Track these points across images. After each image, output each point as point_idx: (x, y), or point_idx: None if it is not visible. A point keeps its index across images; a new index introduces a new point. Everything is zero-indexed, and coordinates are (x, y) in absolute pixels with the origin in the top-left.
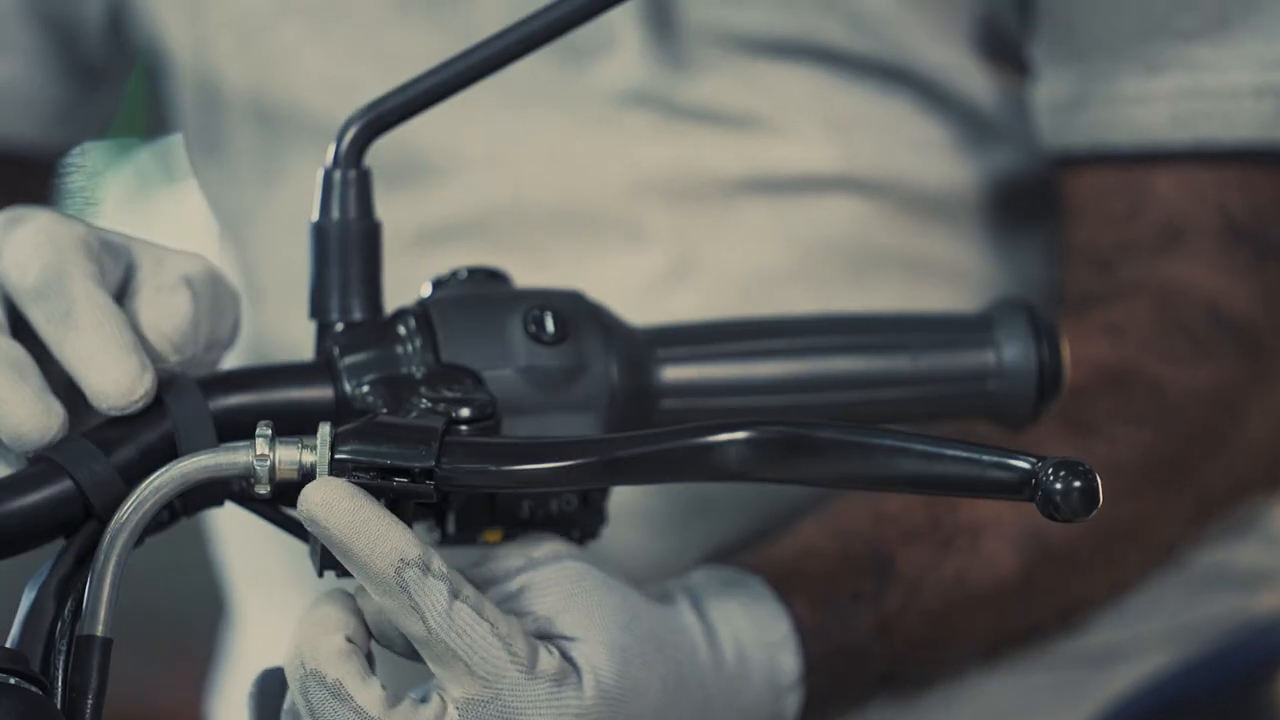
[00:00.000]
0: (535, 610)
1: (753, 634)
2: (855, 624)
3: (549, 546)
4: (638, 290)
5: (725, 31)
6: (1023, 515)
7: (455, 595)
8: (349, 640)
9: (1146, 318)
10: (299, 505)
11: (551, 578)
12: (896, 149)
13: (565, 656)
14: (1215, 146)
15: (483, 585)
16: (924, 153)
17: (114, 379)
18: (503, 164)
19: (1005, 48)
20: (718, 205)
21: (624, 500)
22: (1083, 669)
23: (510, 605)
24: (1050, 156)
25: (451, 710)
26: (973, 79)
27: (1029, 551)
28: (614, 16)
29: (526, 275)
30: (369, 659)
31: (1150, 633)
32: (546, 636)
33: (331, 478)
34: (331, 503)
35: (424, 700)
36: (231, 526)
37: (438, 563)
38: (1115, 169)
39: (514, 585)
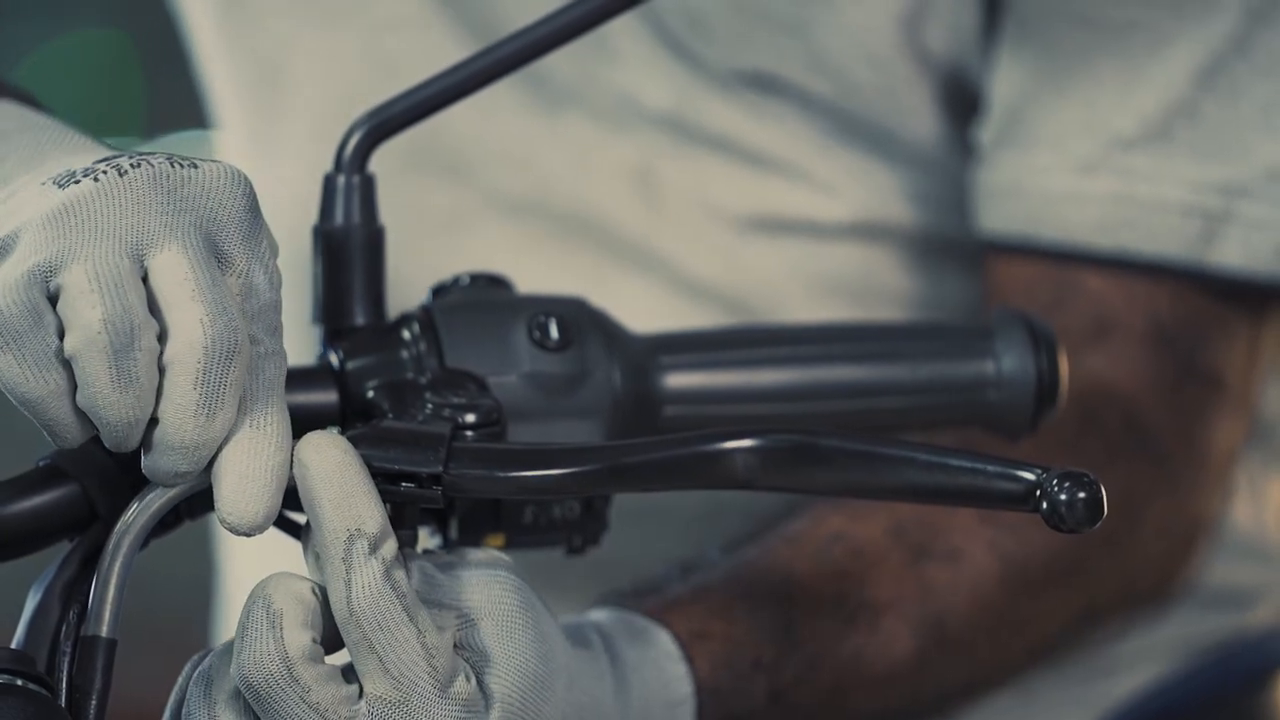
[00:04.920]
0: (458, 606)
1: (658, 690)
2: (752, 692)
3: (488, 554)
4: (648, 313)
5: (734, 66)
6: (927, 600)
7: (393, 587)
8: (314, 593)
9: (1068, 416)
10: (296, 448)
11: (483, 579)
12: (901, 200)
13: (480, 682)
14: (1136, 257)
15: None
16: (923, 207)
17: (255, 513)
18: (529, 161)
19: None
20: (728, 238)
21: (638, 501)
22: (1081, 678)
23: (436, 596)
24: (980, 238)
25: (362, 704)
26: (952, 149)
27: (925, 636)
28: (631, 32)
29: (548, 278)
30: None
31: (1149, 646)
32: (464, 646)
33: (335, 433)
34: (323, 448)
35: (349, 682)
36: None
37: (389, 550)
38: (1041, 263)
39: (443, 577)
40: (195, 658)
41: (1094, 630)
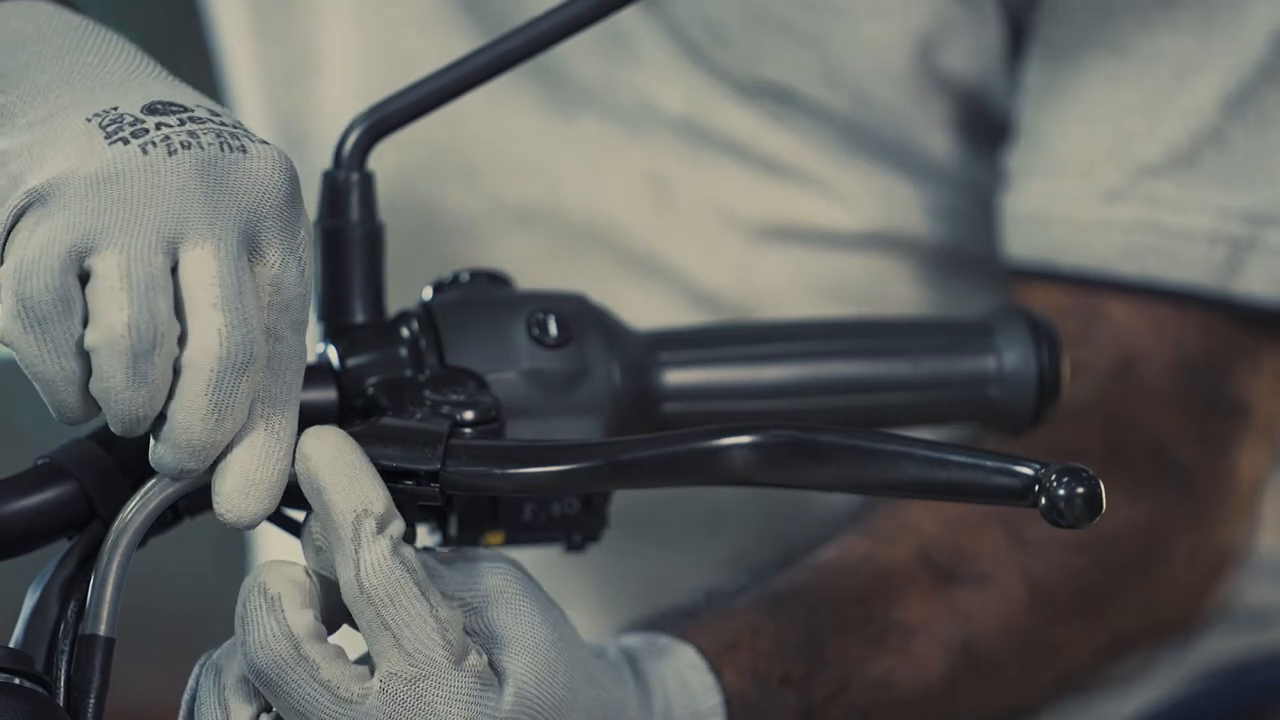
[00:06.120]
0: (463, 596)
1: (683, 701)
2: (782, 707)
3: (490, 551)
4: (656, 321)
5: (750, 75)
6: (957, 624)
7: (402, 562)
8: (308, 575)
9: (1093, 447)
10: (298, 446)
11: (485, 569)
12: (918, 213)
13: (491, 663)
14: (1161, 284)
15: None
16: (937, 220)
17: (254, 513)
18: (542, 166)
19: (995, 141)
20: (738, 246)
21: (635, 512)
22: (1094, 697)
23: (440, 588)
24: (1007, 266)
25: (375, 681)
26: (971, 168)
27: (957, 658)
28: (650, 38)
29: (558, 278)
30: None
31: (1166, 664)
32: (473, 632)
33: (334, 427)
34: (325, 439)
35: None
36: None
37: (397, 529)
38: (1067, 289)
39: (446, 570)
40: (204, 656)
41: (1120, 661)
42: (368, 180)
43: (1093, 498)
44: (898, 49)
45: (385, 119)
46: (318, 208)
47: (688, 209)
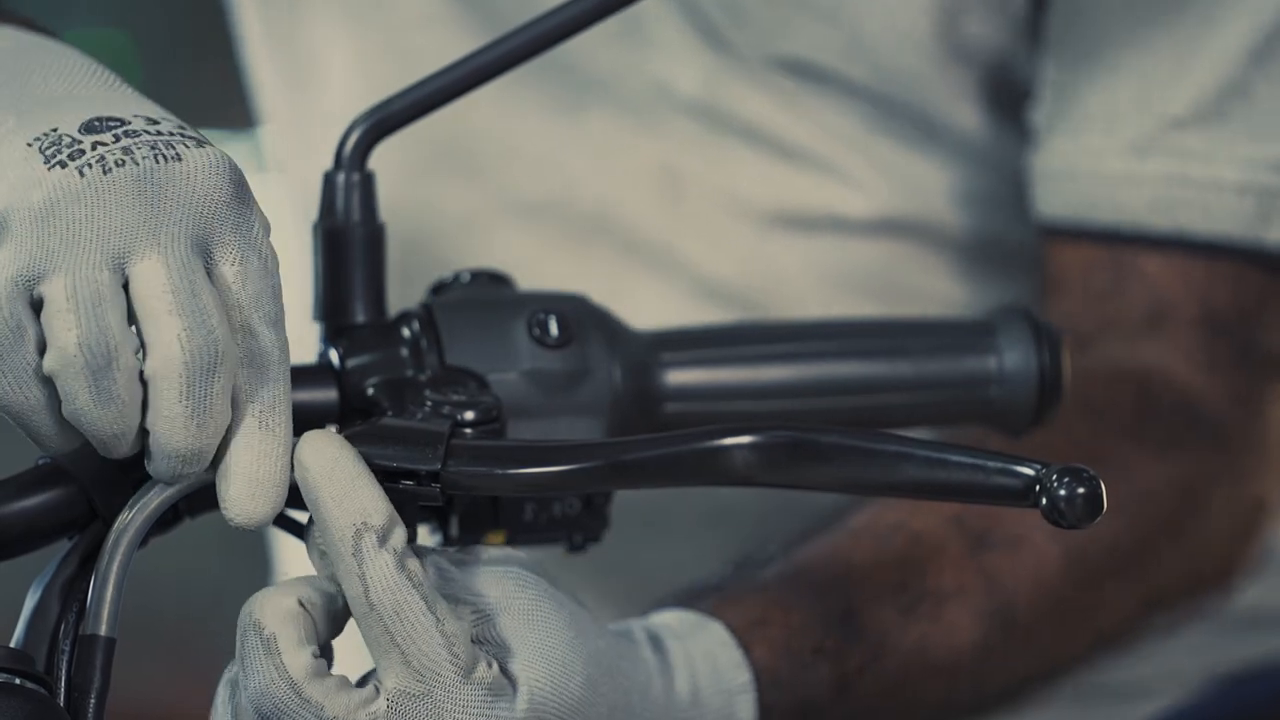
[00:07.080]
0: (475, 602)
1: (711, 679)
2: (815, 680)
3: (502, 551)
4: (667, 314)
5: (769, 52)
6: (990, 589)
7: (408, 576)
8: (301, 605)
9: (1125, 403)
10: (295, 448)
11: (497, 574)
12: (934, 196)
13: (503, 670)
14: (1192, 236)
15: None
16: (959, 202)
17: (262, 513)
18: (550, 161)
19: (1020, 113)
20: (750, 237)
21: (640, 508)
22: (1110, 702)
23: (451, 591)
24: (1037, 224)
25: (381, 700)
26: (996, 141)
27: (990, 624)
28: (665, 19)
29: (568, 274)
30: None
31: (1181, 669)
32: (484, 641)
33: (331, 431)
34: (320, 447)
35: (360, 685)
36: None
37: (399, 539)
38: (1098, 245)
39: (458, 573)
40: (227, 668)
41: (1159, 619)
42: (368, 181)
43: (1093, 498)
44: (920, 16)
45: (387, 119)
46: (319, 209)
47: (699, 199)
